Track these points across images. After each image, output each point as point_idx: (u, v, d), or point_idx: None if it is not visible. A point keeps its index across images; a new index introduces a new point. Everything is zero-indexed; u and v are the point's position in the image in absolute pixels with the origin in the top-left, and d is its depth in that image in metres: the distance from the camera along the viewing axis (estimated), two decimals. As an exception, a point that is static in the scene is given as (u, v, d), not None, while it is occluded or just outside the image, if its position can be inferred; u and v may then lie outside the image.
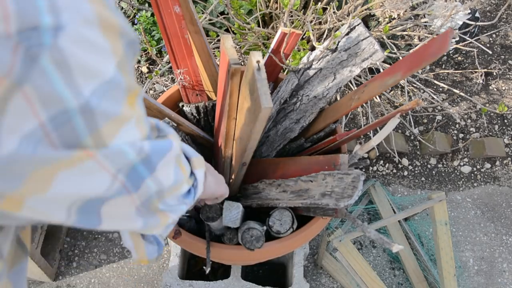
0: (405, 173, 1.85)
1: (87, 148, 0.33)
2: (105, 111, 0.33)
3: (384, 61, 1.74)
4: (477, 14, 2.03)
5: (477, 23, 1.66)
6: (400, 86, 1.96)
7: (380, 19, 1.69)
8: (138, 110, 0.39)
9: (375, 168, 1.84)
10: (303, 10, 1.62)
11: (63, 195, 0.35)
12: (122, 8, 1.96)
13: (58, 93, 0.29)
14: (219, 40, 1.64)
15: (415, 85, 1.86)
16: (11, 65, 0.26)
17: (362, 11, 1.52)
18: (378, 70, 1.75)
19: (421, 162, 1.87)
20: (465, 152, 1.90)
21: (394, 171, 1.84)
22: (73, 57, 0.29)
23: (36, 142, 0.30)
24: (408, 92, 1.90)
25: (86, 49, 0.30)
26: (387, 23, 1.56)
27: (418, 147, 1.89)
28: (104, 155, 0.35)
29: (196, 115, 1.19)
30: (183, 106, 1.20)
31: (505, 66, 2.10)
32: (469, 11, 1.98)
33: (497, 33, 2.19)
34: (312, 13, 1.40)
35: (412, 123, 1.83)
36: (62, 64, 0.28)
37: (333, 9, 1.48)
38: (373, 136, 1.33)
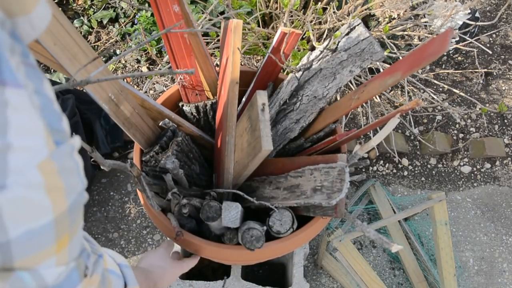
0: (405, 173, 1.85)
1: None
2: (24, 251, 0.37)
3: (384, 61, 1.74)
4: (477, 14, 2.03)
5: (477, 23, 1.66)
6: (400, 86, 1.96)
7: (380, 19, 1.69)
8: (65, 254, 0.42)
9: (375, 168, 1.84)
10: (303, 10, 1.62)
11: None
12: (122, 8, 1.96)
13: None
14: (219, 40, 1.64)
15: (415, 85, 1.86)
16: None
17: (362, 11, 1.52)
18: (378, 70, 1.75)
19: (421, 162, 1.87)
20: (465, 152, 1.90)
21: (394, 171, 1.84)
22: (6, 210, 0.34)
23: None
24: (408, 92, 1.90)
25: (22, 205, 0.35)
26: (387, 23, 1.56)
27: (418, 147, 1.89)
28: (4, 280, 0.38)
29: (196, 114, 1.19)
30: (183, 105, 1.20)
31: (505, 66, 2.10)
32: (469, 11, 1.98)
33: (497, 33, 2.19)
34: (312, 13, 1.40)
35: (412, 123, 1.83)
36: None
37: (333, 9, 1.48)
38: (373, 136, 1.33)
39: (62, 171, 0.38)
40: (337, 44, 1.07)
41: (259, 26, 1.64)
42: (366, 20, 1.82)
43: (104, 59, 1.92)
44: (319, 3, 1.49)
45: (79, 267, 0.45)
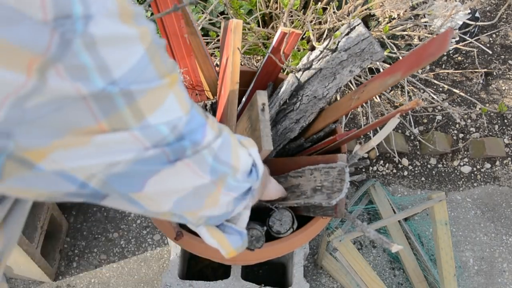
0: (405, 173, 1.85)
1: (127, 122, 0.36)
2: (138, 88, 0.36)
3: (384, 61, 1.74)
4: (477, 14, 2.03)
5: (477, 23, 1.66)
6: (400, 86, 1.96)
7: (380, 19, 1.69)
8: (177, 90, 0.41)
9: (375, 168, 1.84)
10: (303, 10, 1.62)
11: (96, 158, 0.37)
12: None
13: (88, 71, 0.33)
14: (219, 40, 1.64)
15: (415, 85, 1.86)
16: (48, 46, 0.30)
17: (362, 11, 1.52)
18: (378, 70, 1.75)
19: (421, 162, 1.87)
20: (465, 152, 1.90)
21: (394, 171, 1.84)
22: (102, 42, 0.32)
23: None
24: (408, 92, 1.90)
25: (114, 36, 0.33)
26: (387, 23, 1.56)
27: (418, 147, 1.89)
28: (142, 130, 0.37)
29: (196, 115, 1.19)
30: (183, 106, 1.19)
31: (505, 66, 2.10)
32: (469, 11, 1.98)
33: (497, 33, 2.19)
34: (312, 13, 1.40)
35: (412, 123, 1.83)
36: (92, 48, 0.32)
37: (333, 9, 1.48)
38: (373, 136, 1.33)
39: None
40: (337, 44, 1.07)
41: (259, 26, 1.64)
42: (366, 20, 1.82)
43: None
44: (319, 3, 1.49)
45: (199, 110, 0.46)
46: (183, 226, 1.04)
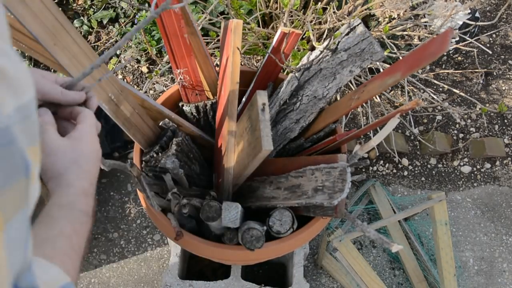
0: (405, 173, 1.85)
1: None
2: None
3: (384, 61, 1.74)
4: (477, 14, 2.03)
5: (477, 23, 1.66)
6: (400, 86, 1.96)
7: (380, 19, 1.69)
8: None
9: (375, 168, 1.83)
10: (303, 10, 1.62)
11: None
12: (122, 8, 1.96)
13: None
14: (219, 40, 1.64)
15: (415, 85, 1.86)
16: None
17: (362, 11, 1.52)
18: (378, 70, 1.75)
19: (421, 162, 1.87)
20: (465, 152, 1.90)
21: (394, 171, 1.84)
22: None
23: None
24: (408, 92, 1.90)
25: None
26: (387, 23, 1.56)
27: (418, 147, 1.89)
28: None
29: (196, 114, 1.19)
30: (183, 105, 1.20)
31: (505, 66, 2.10)
32: (469, 11, 1.98)
33: (497, 33, 2.18)
34: (312, 13, 1.40)
35: (412, 123, 1.83)
36: None
37: (333, 9, 1.48)
38: (373, 136, 1.33)
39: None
40: (337, 44, 1.07)
41: (259, 26, 1.64)
42: (366, 20, 1.82)
43: (104, 59, 1.92)
44: (319, 3, 1.49)
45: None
46: (183, 226, 1.04)
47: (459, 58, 2.08)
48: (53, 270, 0.44)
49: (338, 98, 1.64)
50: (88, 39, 1.96)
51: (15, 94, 0.29)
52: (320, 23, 1.59)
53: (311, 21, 1.42)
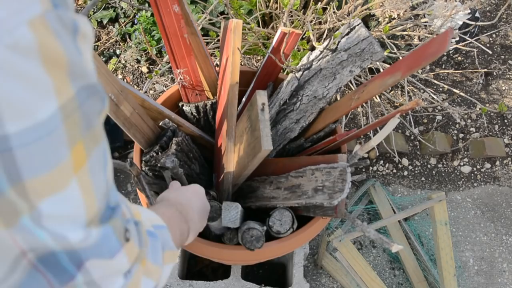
0: (405, 173, 1.85)
1: (9, 197, 0.27)
2: (32, 162, 0.27)
3: (384, 61, 1.74)
4: (477, 14, 2.03)
5: (477, 23, 1.66)
6: (400, 86, 1.96)
7: (380, 19, 1.69)
8: (87, 181, 0.32)
9: (375, 168, 1.84)
10: (303, 10, 1.62)
11: None
12: (122, 8, 1.96)
13: None
14: (219, 40, 1.64)
15: (415, 85, 1.86)
16: None
17: (362, 11, 1.52)
18: (378, 70, 1.75)
19: (421, 162, 1.87)
20: (465, 152, 1.90)
21: (394, 171, 1.84)
22: None
23: None
24: (408, 92, 1.90)
25: (14, 78, 0.25)
26: (387, 23, 1.56)
27: (418, 147, 1.89)
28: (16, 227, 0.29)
29: (196, 114, 1.19)
30: (183, 105, 1.20)
31: (505, 66, 2.10)
32: (469, 11, 1.98)
33: (497, 33, 2.19)
34: (312, 13, 1.40)
35: (412, 123, 1.83)
36: None
37: (333, 9, 1.48)
38: (373, 136, 1.33)
39: (60, 36, 0.27)
40: (337, 44, 1.07)
41: (259, 26, 1.64)
42: (366, 20, 1.82)
43: (104, 59, 1.92)
44: (319, 3, 1.49)
45: (117, 229, 0.36)
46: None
47: (459, 58, 2.08)
48: (154, 215, 0.55)
49: (338, 98, 1.64)
50: (88, 39, 1.95)
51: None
52: (320, 23, 1.59)
53: (311, 21, 1.42)
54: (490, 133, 1.94)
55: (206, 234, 1.08)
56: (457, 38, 1.86)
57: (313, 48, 1.19)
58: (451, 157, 1.89)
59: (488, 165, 1.88)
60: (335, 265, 1.55)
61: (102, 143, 0.34)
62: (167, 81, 1.86)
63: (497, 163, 1.89)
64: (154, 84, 1.87)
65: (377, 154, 1.83)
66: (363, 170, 1.83)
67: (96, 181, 0.33)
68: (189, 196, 0.76)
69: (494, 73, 2.08)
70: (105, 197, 0.35)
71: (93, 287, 0.35)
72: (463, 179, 1.85)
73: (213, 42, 1.65)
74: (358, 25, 1.05)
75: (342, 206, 0.90)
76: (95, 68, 0.33)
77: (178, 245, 0.60)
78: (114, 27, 1.96)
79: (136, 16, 1.90)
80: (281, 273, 1.57)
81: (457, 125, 1.94)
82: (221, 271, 1.53)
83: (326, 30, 1.53)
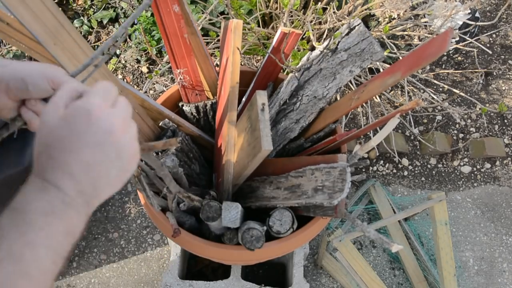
0: (405, 173, 1.85)
1: None
2: None
3: (384, 61, 1.74)
4: (477, 14, 2.03)
5: (477, 23, 1.66)
6: (400, 86, 1.96)
7: (380, 19, 1.69)
8: None
9: (375, 168, 1.83)
10: (303, 10, 1.62)
11: None
12: (122, 8, 1.96)
13: None
14: (219, 40, 1.64)
15: (415, 85, 1.86)
16: None
17: (362, 11, 1.52)
18: (378, 70, 1.75)
19: (421, 162, 1.87)
20: (465, 152, 1.90)
21: (394, 171, 1.84)
22: None
23: None
24: (408, 92, 1.90)
25: None
26: (387, 23, 1.56)
27: (418, 147, 1.89)
28: None
29: (196, 114, 1.19)
30: (183, 105, 1.20)
31: (505, 66, 2.10)
32: (469, 11, 1.98)
33: (497, 33, 2.18)
34: (312, 13, 1.40)
35: (412, 123, 1.83)
36: None
37: (333, 9, 1.48)
38: (373, 136, 1.33)
39: None
40: (337, 44, 1.07)
41: (259, 26, 1.64)
42: (366, 20, 1.82)
43: (104, 59, 1.92)
44: (319, 3, 1.49)
45: None
46: (182, 225, 1.04)
47: (459, 58, 2.08)
48: None
49: (338, 98, 1.64)
50: (88, 39, 1.96)
51: None
52: (320, 23, 1.59)
53: (311, 21, 1.42)
54: (490, 133, 1.94)
55: (206, 234, 1.08)
56: (457, 38, 1.86)
57: (313, 48, 1.19)
58: (451, 157, 1.89)
59: (488, 165, 1.88)
60: (335, 265, 1.55)
61: None
62: (167, 81, 1.86)
63: (497, 163, 1.89)
64: (154, 84, 1.87)
65: (377, 154, 1.83)
66: (363, 170, 1.83)
67: None
68: (97, 157, 0.42)
69: (494, 73, 2.08)
70: None
71: None
72: (463, 179, 1.85)
73: (213, 42, 1.65)
74: (358, 25, 1.05)
75: (342, 206, 0.90)
76: None
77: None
78: (114, 27, 1.96)
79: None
80: (281, 273, 1.57)
81: (457, 125, 1.94)
82: (221, 271, 1.53)
83: (326, 30, 1.53)
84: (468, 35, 1.83)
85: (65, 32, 0.75)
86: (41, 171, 0.41)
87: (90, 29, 1.96)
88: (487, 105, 1.99)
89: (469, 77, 2.06)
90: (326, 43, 1.09)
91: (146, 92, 1.84)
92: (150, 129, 1.04)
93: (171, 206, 1.02)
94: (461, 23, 1.93)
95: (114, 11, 1.96)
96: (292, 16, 1.51)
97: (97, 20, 1.95)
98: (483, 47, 1.75)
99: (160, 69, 1.80)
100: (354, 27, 1.06)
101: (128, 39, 1.94)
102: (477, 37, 2.05)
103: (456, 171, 1.87)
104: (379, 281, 1.46)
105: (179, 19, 1.03)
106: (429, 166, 1.87)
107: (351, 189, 1.77)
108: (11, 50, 1.85)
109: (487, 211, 1.79)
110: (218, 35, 1.57)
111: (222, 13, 1.79)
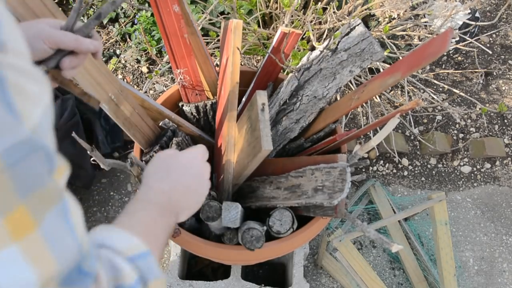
0: (405, 173, 1.85)
1: None
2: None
3: (384, 61, 1.74)
4: (477, 14, 2.03)
5: (477, 23, 1.66)
6: (400, 86, 1.96)
7: (380, 19, 1.69)
8: (39, 244, 0.30)
9: (375, 168, 1.83)
10: (303, 10, 1.62)
11: None
12: (122, 8, 1.96)
13: None
14: (219, 40, 1.64)
15: (415, 85, 1.86)
16: None
17: (362, 11, 1.52)
18: (378, 70, 1.75)
19: (421, 162, 1.87)
20: (465, 152, 1.90)
21: (394, 171, 1.84)
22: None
23: None
24: (408, 92, 1.90)
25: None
26: (387, 23, 1.56)
27: (418, 147, 1.89)
28: None
29: (196, 114, 1.19)
30: (183, 105, 1.20)
31: (505, 66, 2.10)
32: (469, 11, 1.98)
33: (497, 33, 2.19)
34: (312, 13, 1.40)
35: (412, 123, 1.83)
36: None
37: (333, 9, 1.48)
38: (373, 136, 1.33)
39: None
40: (337, 44, 1.07)
41: (259, 26, 1.64)
42: (366, 20, 1.82)
43: (104, 59, 1.92)
44: (319, 3, 1.49)
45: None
46: (181, 225, 1.04)
47: (459, 58, 2.08)
48: (133, 239, 0.48)
49: (338, 98, 1.64)
50: (88, 39, 1.95)
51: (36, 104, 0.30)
52: (320, 23, 1.59)
53: (311, 21, 1.42)
54: (490, 133, 1.94)
55: (206, 234, 1.08)
56: (457, 38, 1.86)
57: (313, 48, 1.19)
58: (451, 157, 1.89)
59: (488, 165, 1.88)
60: (335, 265, 1.55)
61: (61, 202, 0.31)
62: (167, 81, 1.86)
63: (497, 163, 1.89)
64: (154, 84, 1.87)
65: (377, 154, 1.83)
66: (363, 170, 1.83)
67: (54, 244, 0.31)
68: (180, 178, 0.62)
69: (494, 73, 2.08)
70: (72, 259, 0.33)
71: None
72: (463, 179, 1.85)
73: (213, 42, 1.65)
74: (358, 25, 1.05)
75: (342, 206, 0.90)
76: (43, 123, 0.30)
77: (161, 254, 0.55)
78: (114, 27, 1.96)
79: (136, 16, 1.90)
80: (281, 273, 1.57)
81: (457, 125, 1.94)
82: (221, 271, 1.53)
83: (326, 30, 1.54)
84: (468, 35, 1.83)
85: (65, 32, 0.75)
86: (153, 182, 0.61)
87: (90, 29, 1.95)
88: (487, 105, 1.99)
89: (469, 77, 2.06)
90: (326, 43, 1.09)
91: (146, 92, 1.85)
92: (150, 129, 1.04)
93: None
94: (461, 23, 1.93)
95: (114, 11, 1.96)
96: (292, 16, 1.51)
97: (97, 20, 1.94)
98: (483, 47, 1.75)
99: (160, 69, 1.80)
100: (354, 27, 1.06)
101: (128, 39, 1.94)
102: (477, 37, 2.05)
103: (456, 171, 1.87)
104: (379, 281, 1.46)
105: (179, 19, 1.03)
106: (429, 166, 1.87)
107: (351, 189, 1.77)
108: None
109: (487, 211, 1.79)
110: (218, 35, 1.57)
111: (222, 13, 1.79)
